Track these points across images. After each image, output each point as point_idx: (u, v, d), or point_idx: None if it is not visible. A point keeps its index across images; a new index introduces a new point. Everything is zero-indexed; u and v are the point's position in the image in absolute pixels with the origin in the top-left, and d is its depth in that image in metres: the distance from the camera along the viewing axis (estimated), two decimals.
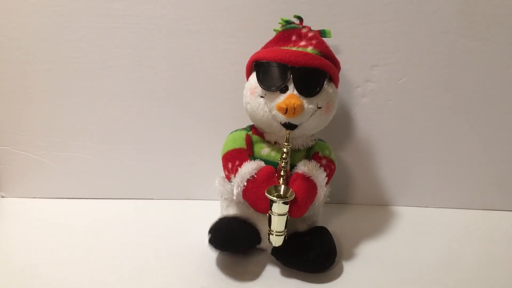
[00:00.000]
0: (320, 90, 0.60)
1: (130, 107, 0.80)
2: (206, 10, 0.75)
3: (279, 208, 0.58)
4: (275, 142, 0.65)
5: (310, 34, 0.62)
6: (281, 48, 0.61)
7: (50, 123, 0.81)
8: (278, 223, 0.59)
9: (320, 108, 0.61)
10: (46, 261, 0.65)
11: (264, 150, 0.65)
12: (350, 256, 0.69)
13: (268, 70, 0.60)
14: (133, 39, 0.76)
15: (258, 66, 0.62)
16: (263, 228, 0.65)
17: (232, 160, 0.63)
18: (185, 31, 0.76)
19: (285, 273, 0.64)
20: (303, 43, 0.61)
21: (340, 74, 0.66)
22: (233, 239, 0.63)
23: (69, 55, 0.77)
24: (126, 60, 0.77)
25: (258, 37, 0.68)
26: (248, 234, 0.64)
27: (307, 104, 0.59)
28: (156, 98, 0.80)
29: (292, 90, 0.59)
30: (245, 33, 0.76)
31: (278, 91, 0.59)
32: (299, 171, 0.62)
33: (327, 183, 0.64)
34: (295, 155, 0.64)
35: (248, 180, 0.61)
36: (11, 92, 0.79)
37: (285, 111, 0.57)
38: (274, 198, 0.58)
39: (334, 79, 0.63)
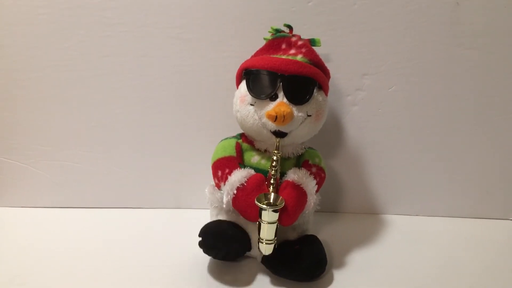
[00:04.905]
0: (309, 98, 0.60)
1: (120, 115, 0.80)
2: (197, 18, 0.75)
3: (269, 216, 0.58)
4: (265, 150, 0.65)
5: (300, 43, 0.62)
6: (271, 56, 0.62)
7: (39, 132, 0.80)
8: (268, 231, 0.59)
9: (310, 116, 0.61)
10: (35, 271, 0.64)
11: (254, 158, 0.65)
12: (340, 264, 0.68)
13: (258, 78, 0.60)
14: (125, 47, 0.76)
15: (248, 74, 0.62)
16: (253, 237, 0.64)
17: (222, 168, 0.63)
18: (177, 39, 0.76)
19: (275, 282, 0.63)
20: (292, 51, 0.61)
21: (331, 83, 0.66)
22: (223, 240, 0.62)
23: (59, 63, 0.77)
24: (117, 69, 0.77)
25: (249, 45, 0.68)
26: (239, 236, 0.64)
27: (297, 112, 0.59)
28: (147, 106, 0.80)
29: (281, 98, 0.59)
30: (236, 41, 0.76)
31: (268, 99, 0.59)
32: (289, 179, 0.62)
33: (317, 191, 0.64)
34: (285, 163, 0.64)
35: (238, 188, 0.60)
36: None
37: (275, 119, 0.57)
38: (264, 206, 0.57)
39: (324, 87, 0.63)
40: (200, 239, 0.62)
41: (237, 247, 0.64)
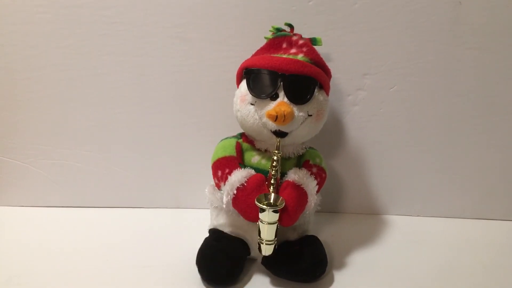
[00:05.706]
0: (310, 98, 0.59)
1: (120, 115, 0.80)
2: (197, 17, 0.75)
3: (269, 217, 0.57)
4: (266, 150, 0.65)
5: (300, 42, 0.62)
6: (272, 55, 0.61)
7: (39, 131, 0.80)
8: (268, 232, 0.59)
9: (310, 115, 0.60)
10: (34, 271, 0.64)
11: (254, 158, 0.65)
12: (341, 265, 0.68)
13: (258, 78, 0.60)
14: (124, 46, 0.76)
15: (248, 74, 0.61)
16: (253, 237, 0.64)
17: (222, 168, 0.63)
18: (176, 39, 0.76)
19: (275, 283, 0.63)
20: (293, 50, 0.61)
21: (332, 83, 0.66)
22: (220, 273, 0.61)
23: (58, 63, 0.76)
24: (117, 68, 0.77)
25: (250, 44, 0.67)
26: (234, 267, 0.63)
27: (298, 112, 0.59)
28: (147, 106, 0.80)
29: (282, 98, 0.58)
30: (236, 40, 0.76)
31: (269, 99, 0.59)
32: (289, 179, 0.62)
33: (317, 191, 0.63)
34: (285, 163, 0.64)
35: (238, 188, 0.60)
36: None
37: (275, 119, 0.56)
38: (264, 207, 0.57)
39: (324, 87, 0.63)
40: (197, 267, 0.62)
41: (236, 270, 0.63)
